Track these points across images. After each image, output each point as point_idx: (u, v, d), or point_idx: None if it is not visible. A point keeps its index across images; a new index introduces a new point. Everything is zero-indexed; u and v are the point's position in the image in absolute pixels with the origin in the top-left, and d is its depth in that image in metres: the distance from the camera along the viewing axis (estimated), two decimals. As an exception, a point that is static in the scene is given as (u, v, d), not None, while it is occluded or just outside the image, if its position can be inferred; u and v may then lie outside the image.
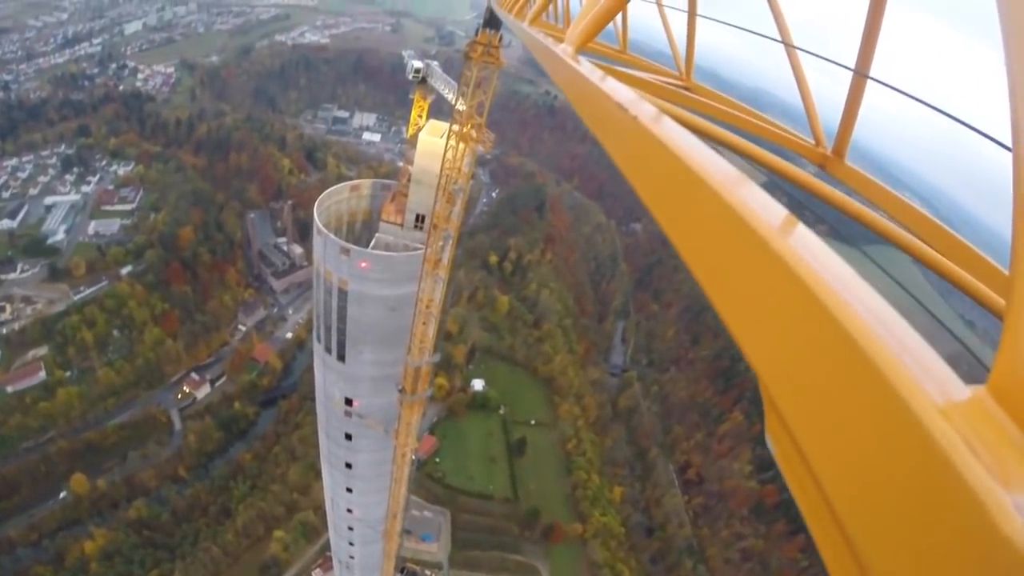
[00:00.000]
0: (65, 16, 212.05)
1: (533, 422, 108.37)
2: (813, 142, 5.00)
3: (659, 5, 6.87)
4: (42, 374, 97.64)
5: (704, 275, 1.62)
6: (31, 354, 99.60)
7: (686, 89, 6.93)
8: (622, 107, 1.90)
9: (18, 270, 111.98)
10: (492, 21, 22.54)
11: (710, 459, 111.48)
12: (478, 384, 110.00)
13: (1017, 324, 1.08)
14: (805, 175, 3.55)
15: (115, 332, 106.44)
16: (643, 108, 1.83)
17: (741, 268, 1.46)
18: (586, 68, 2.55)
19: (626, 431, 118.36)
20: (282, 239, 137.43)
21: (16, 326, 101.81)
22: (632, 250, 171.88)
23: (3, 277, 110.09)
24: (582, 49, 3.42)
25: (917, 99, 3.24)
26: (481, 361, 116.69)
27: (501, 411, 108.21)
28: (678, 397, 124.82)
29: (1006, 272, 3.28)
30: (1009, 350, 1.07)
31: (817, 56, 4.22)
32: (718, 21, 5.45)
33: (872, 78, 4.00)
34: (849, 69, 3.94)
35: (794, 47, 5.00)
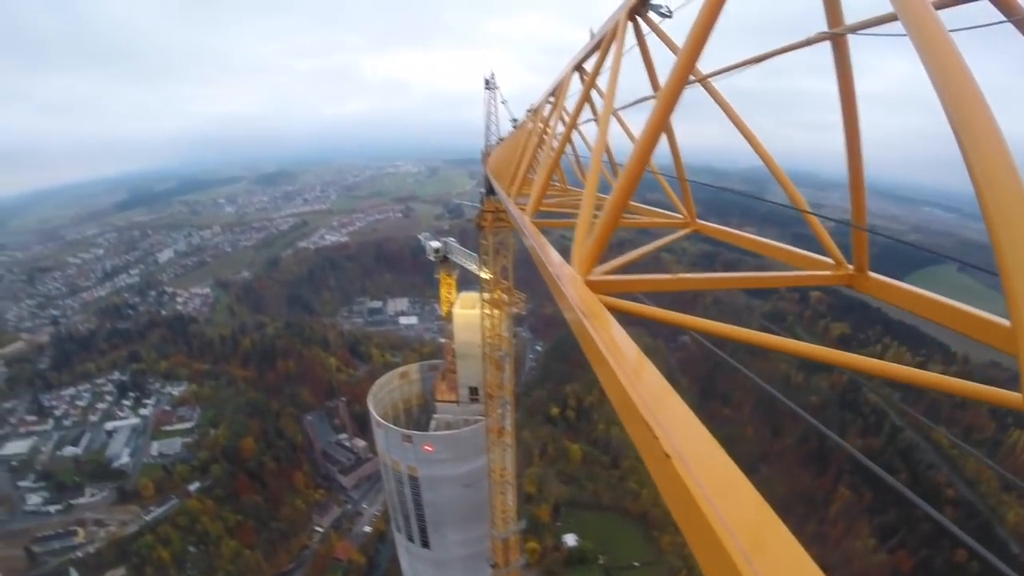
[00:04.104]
0: (101, 251, 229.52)
1: (637, 564, 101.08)
2: (833, 263, 5.05)
3: (655, 174, 6.96)
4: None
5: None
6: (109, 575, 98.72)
7: (693, 232, 7.22)
8: (604, 357, 1.91)
9: (87, 495, 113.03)
10: (492, 188, 23.90)
11: (829, 546, 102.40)
12: (570, 539, 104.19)
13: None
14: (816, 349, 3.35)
15: (191, 548, 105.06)
16: (635, 363, 1.81)
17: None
18: (580, 297, 2.56)
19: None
20: (343, 435, 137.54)
21: (91, 549, 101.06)
22: (687, 363, 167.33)
23: (73, 502, 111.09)
24: (590, 270, 3.58)
25: (919, 247, 3.33)
26: (568, 515, 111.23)
27: (600, 560, 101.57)
28: (776, 493, 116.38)
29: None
30: None
31: (817, 215, 4.29)
32: (710, 186, 5.75)
33: (871, 231, 4.08)
34: (847, 224, 4.05)
35: (805, 210, 5.01)
